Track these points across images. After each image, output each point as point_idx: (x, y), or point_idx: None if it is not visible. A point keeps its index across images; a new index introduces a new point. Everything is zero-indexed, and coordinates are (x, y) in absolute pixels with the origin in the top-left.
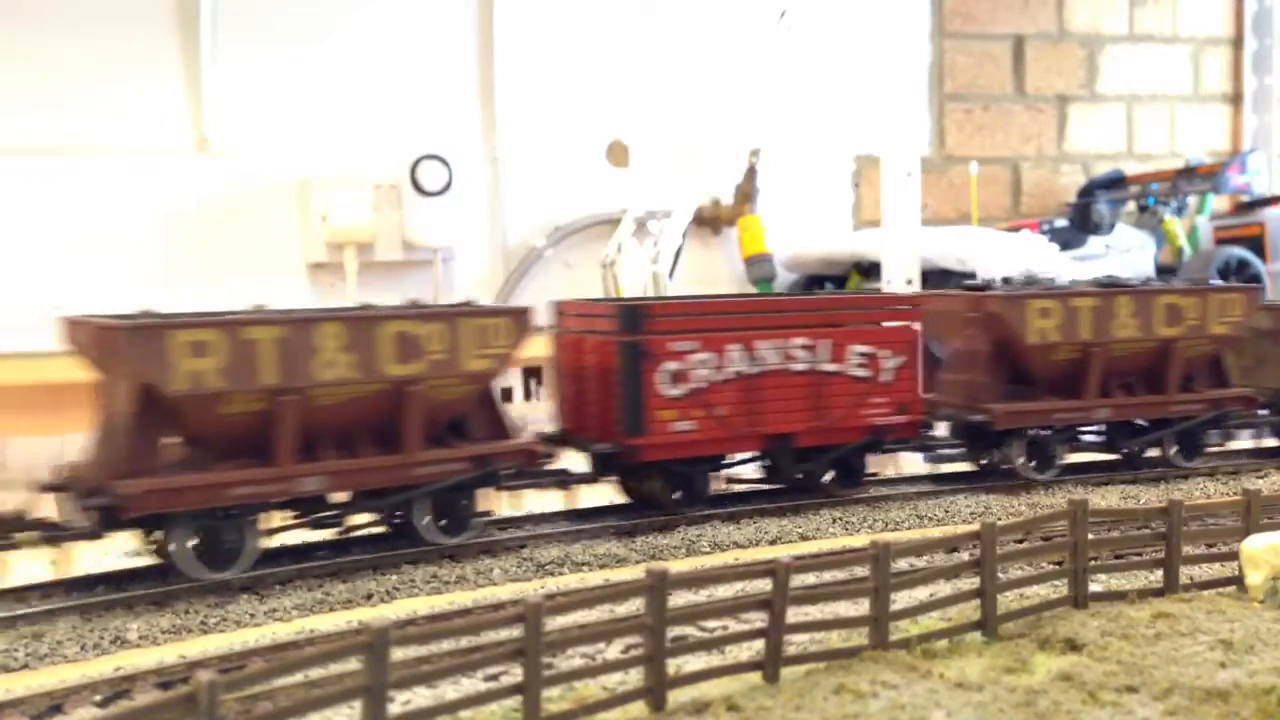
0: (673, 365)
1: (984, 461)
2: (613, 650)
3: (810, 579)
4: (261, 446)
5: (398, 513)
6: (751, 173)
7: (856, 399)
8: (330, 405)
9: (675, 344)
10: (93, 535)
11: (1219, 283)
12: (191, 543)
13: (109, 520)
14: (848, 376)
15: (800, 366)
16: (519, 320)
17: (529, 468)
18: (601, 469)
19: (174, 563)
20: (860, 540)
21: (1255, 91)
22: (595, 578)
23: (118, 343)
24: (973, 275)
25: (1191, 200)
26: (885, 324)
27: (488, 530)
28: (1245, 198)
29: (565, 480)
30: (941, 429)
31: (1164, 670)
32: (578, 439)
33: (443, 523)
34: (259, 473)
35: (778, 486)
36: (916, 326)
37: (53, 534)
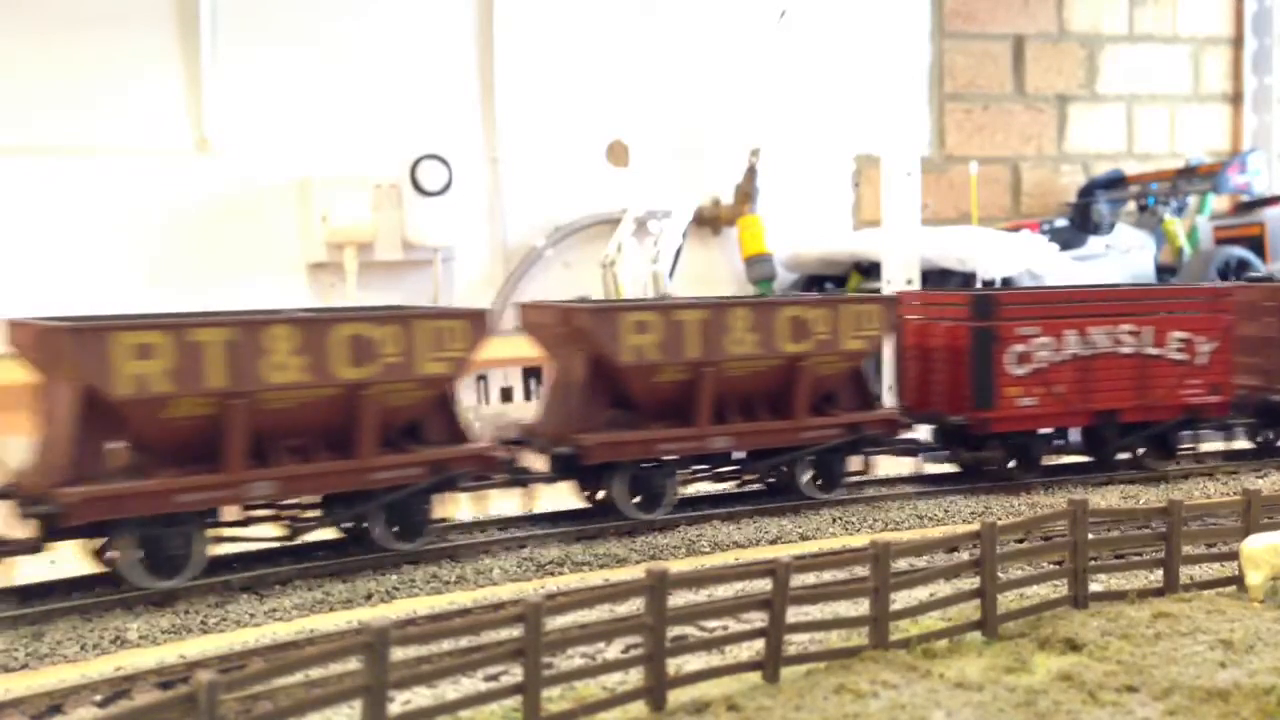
0: (1018, 348)
1: (1268, 440)
2: (613, 650)
3: (810, 579)
4: (210, 452)
5: (357, 522)
6: (751, 173)
7: (1175, 380)
8: (282, 409)
9: (1021, 329)
10: (33, 549)
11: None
12: (137, 552)
13: (51, 530)
14: (1168, 360)
15: (1127, 350)
16: (476, 323)
17: (487, 473)
18: (948, 439)
19: (118, 571)
20: (860, 540)
21: (1255, 91)
22: (595, 578)
23: (60, 344)
24: (972, 275)
25: (1191, 200)
26: (1200, 313)
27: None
28: (1245, 198)
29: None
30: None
31: (1164, 670)
32: (924, 413)
33: (395, 529)
34: (207, 479)
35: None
36: (1229, 316)
37: None
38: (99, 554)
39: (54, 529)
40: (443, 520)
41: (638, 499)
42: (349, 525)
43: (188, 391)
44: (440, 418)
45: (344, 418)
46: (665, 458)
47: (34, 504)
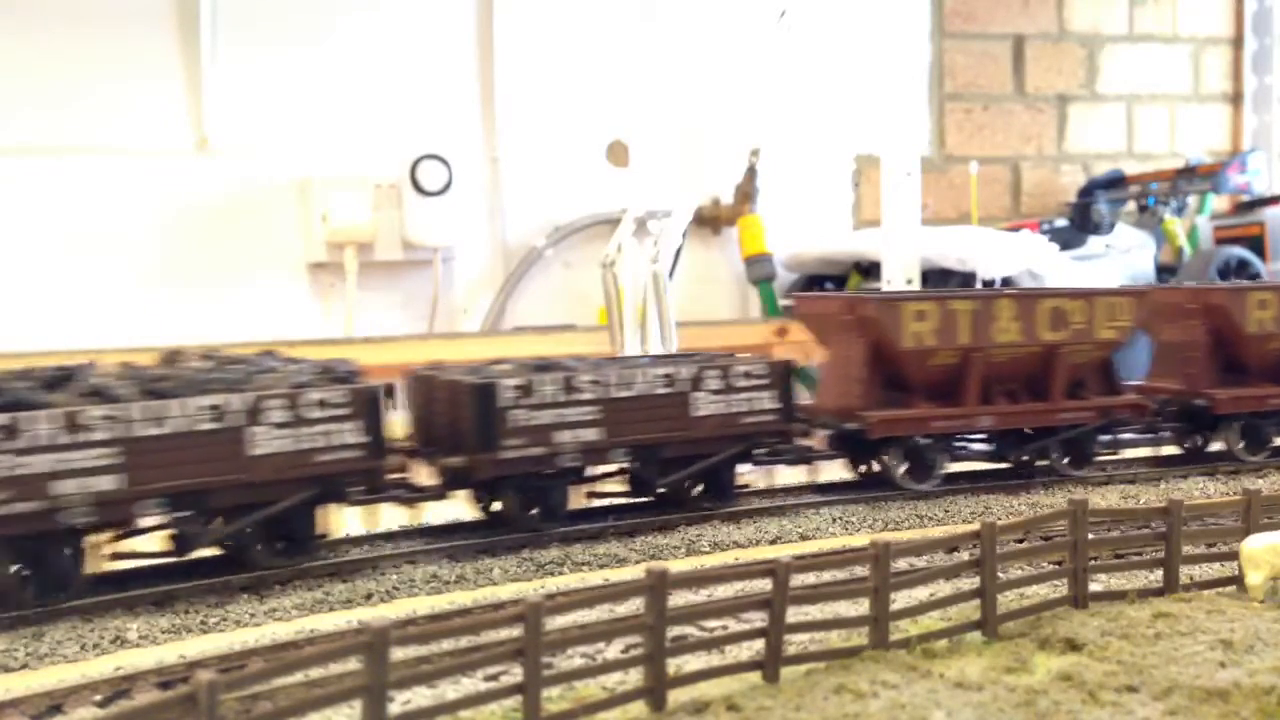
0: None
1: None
2: (613, 650)
3: (810, 579)
4: (950, 391)
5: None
6: (751, 173)
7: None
8: (1001, 361)
9: None
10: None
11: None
12: (902, 464)
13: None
14: None
15: None
16: (1141, 300)
17: (1138, 420)
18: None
19: (886, 476)
20: (860, 540)
21: (1255, 91)
22: (595, 577)
23: (865, 311)
24: (972, 275)
25: (1191, 200)
26: None
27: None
28: (1245, 197)
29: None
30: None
31: (1164, 670)
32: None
33: (1065, 460)
34: (950, 411)
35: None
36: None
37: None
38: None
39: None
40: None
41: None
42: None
43: (945, 345)
44: (1102, 374)
45: (1041, 370)
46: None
47: (840, 424)
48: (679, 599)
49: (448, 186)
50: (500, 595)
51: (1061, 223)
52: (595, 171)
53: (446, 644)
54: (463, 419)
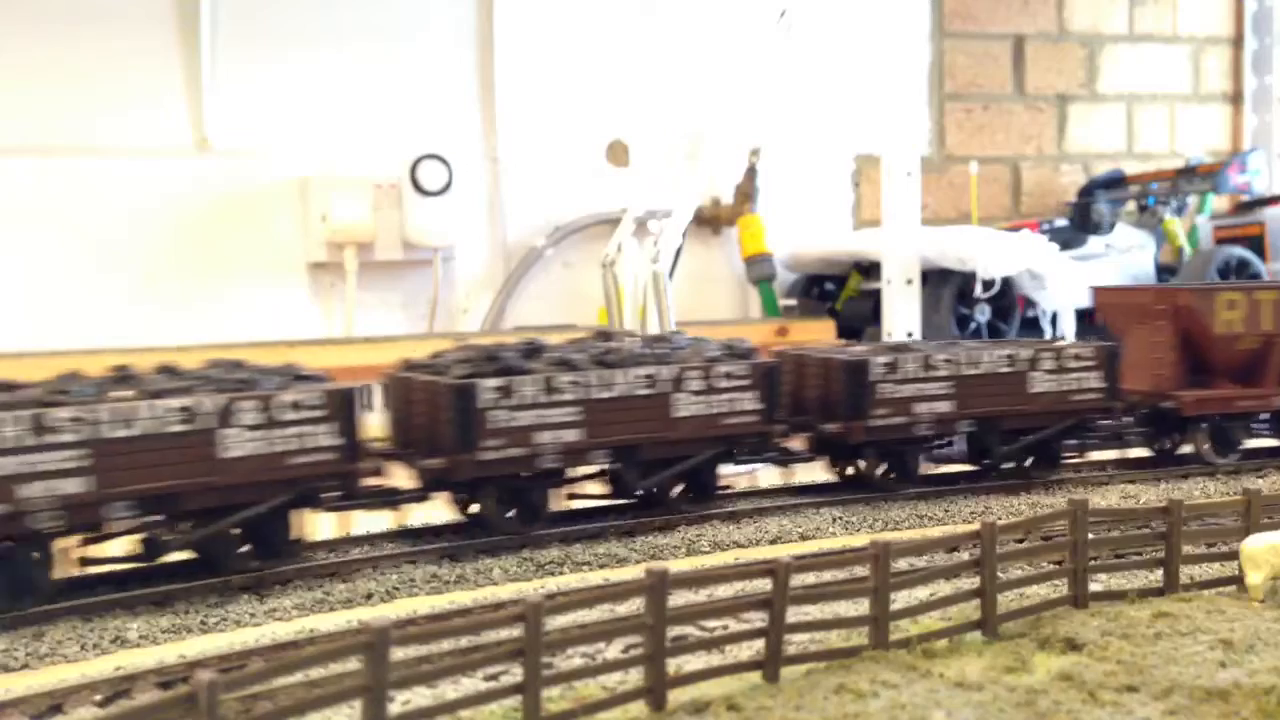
0: None
1: (1164, 447)
2: (613, 650)
3: (810, 579)
4: (1251, 374)
5: None
6: (751, 172)
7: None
8: None
9: None
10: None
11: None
12: (1206, 440)
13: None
14: None
15: None
16: None
17: None
18: None
19: (1190, 450)
20: (860, 540)
21: (1255, 91)
22: (595, 577)
23: (1180, 302)
24: (972, 275)
25: (1191, 200)
26: None
27: None
28: (1245, 197)
29: None
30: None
31: (1164, 670)
32: None
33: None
34: (1252, 392)
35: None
36: None
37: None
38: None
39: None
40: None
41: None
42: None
43: (1250, 332)
44: None
45: None
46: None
47: (1151, 404)
48: (679, 599)
49: (448, 186)
50: (500, 595)
51: (1061, 223)
52: (595, 171)
53: (446, 644)
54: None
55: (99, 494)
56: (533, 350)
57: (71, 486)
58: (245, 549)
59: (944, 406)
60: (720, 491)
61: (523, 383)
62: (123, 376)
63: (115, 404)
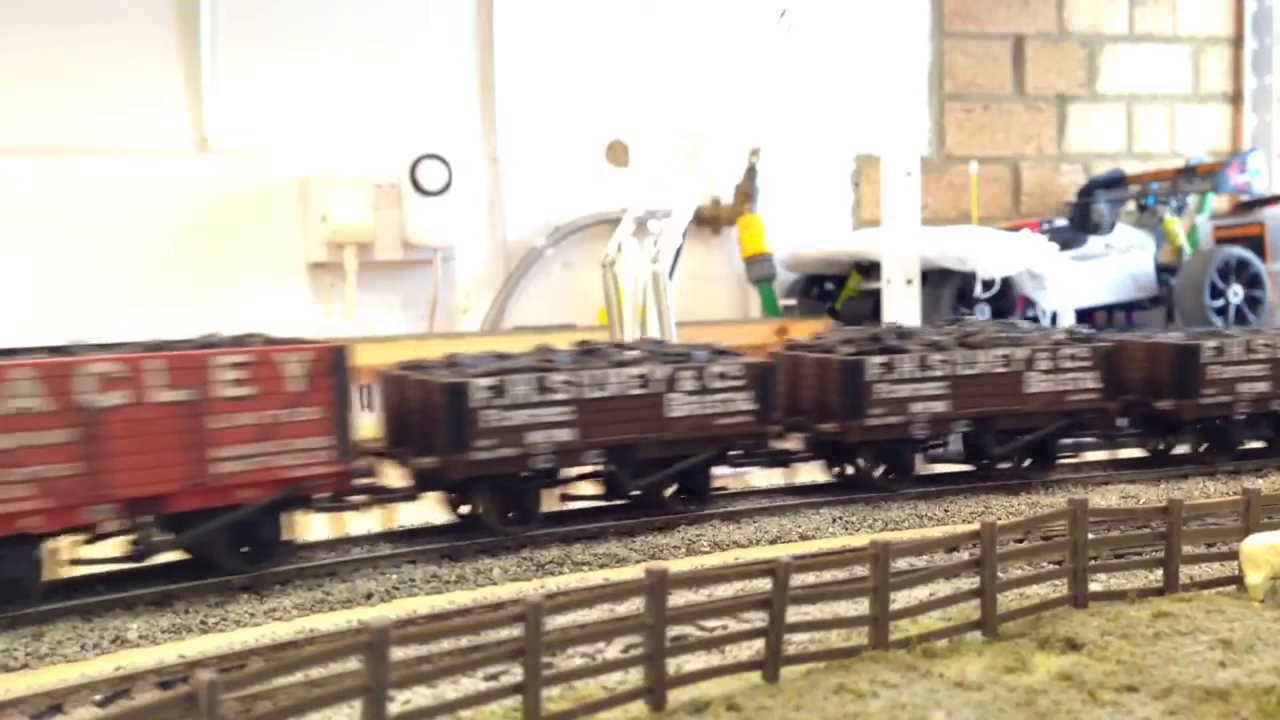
0: None
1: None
2: (613, 650)
3: (810, 578)
4: None
5: None
6: (751, 172)
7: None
8: None
9: None
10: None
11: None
12: None
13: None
14: None
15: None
16: None
17: None
18: None
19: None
20: (860, 540)
21: (1255, 91)
22: (595, 577)
23: None
24: (972, 275)
25: (1191, 200)
26: None
27: None
28: (1245, 197)
29: None
30: None
31: (1164, 670)
32: None
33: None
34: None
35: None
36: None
37: None
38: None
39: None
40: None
41: None
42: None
43: None
44: None
45: None
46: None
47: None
48: (679, 599)
49: (448, 186)
50: (500, 595)
51: (1061, 223)
52: (595, 171)
53: (446, 644)
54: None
55: (581, 442)
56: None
57: (562, 435)
58: (676, 493)
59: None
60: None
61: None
62: (587, 350)
63: (593, 371)
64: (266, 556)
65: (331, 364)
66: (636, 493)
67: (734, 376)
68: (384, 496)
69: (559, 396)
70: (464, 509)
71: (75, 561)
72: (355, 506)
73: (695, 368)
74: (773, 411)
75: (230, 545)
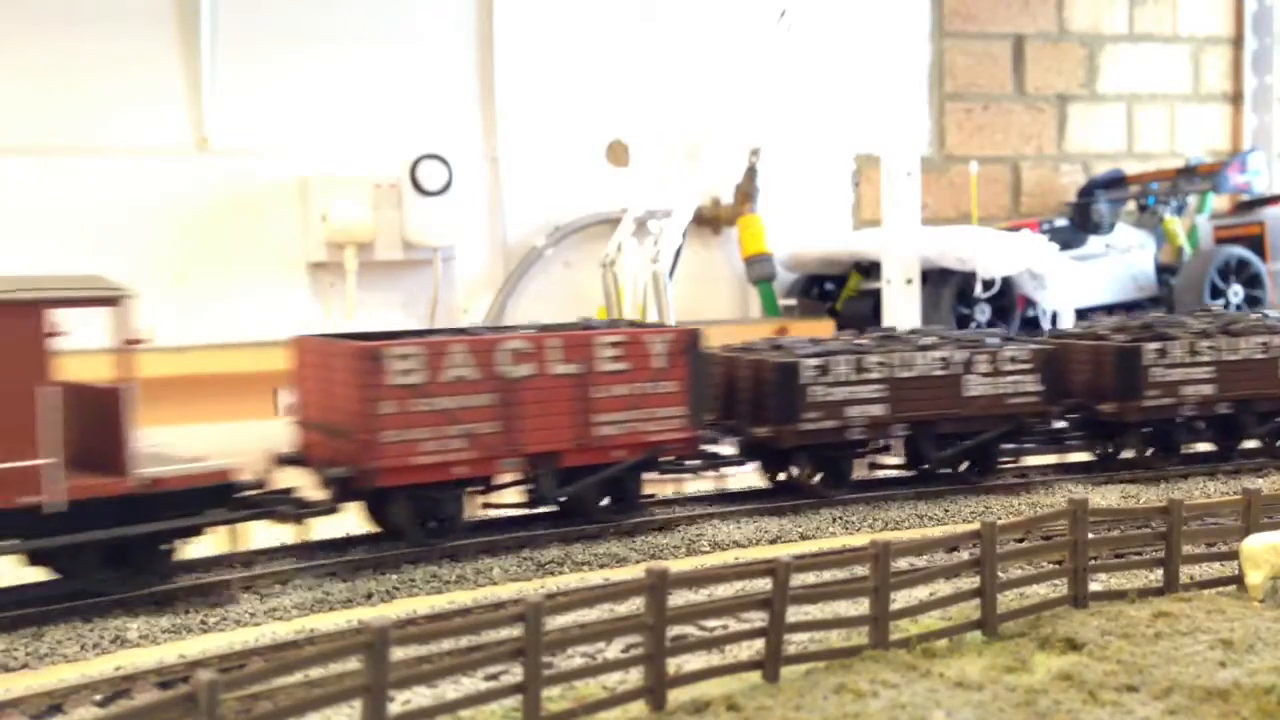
0: None
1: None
2: (613, 649)
3: (810, 578)
4: None
5: None
6: (751, 172)
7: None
8: None
9: None
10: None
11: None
12: None
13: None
14: None
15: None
16: None
17: None
18: None
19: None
20: (860, 540)
21: (1255, 91)
22: (595, 577)
23: None
24: (972, 275)
25: (1191, 200)
26: None
27: None
28: (1245, 197)
29: None
30: None
31: (1164, 670)
32: None
33: None
34: None
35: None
36: None
37: None
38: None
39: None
40: None
41: None
42: None
43: None
44: None
45: None
46: None
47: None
48: (679, 599)
49: (448, 186)
50: (500, 595)
51: (1061, 222)
52: (595, 171)
53: (446, 644)
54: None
55: (890, 417)
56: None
57: (875, 410)
58: (968, 467)
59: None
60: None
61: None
62: (886, 335)
63: (903, 353)
64: (628, 509)
65: (688, 345)
66: (928, 465)
67: (1023, 360)
68: (718, 462)
69: (873, 376)
70: (780, 476)
71: (486, 505)
72: (694, 470)
73: (989, 352)
74: (1056, 394)
75: (598, 498)
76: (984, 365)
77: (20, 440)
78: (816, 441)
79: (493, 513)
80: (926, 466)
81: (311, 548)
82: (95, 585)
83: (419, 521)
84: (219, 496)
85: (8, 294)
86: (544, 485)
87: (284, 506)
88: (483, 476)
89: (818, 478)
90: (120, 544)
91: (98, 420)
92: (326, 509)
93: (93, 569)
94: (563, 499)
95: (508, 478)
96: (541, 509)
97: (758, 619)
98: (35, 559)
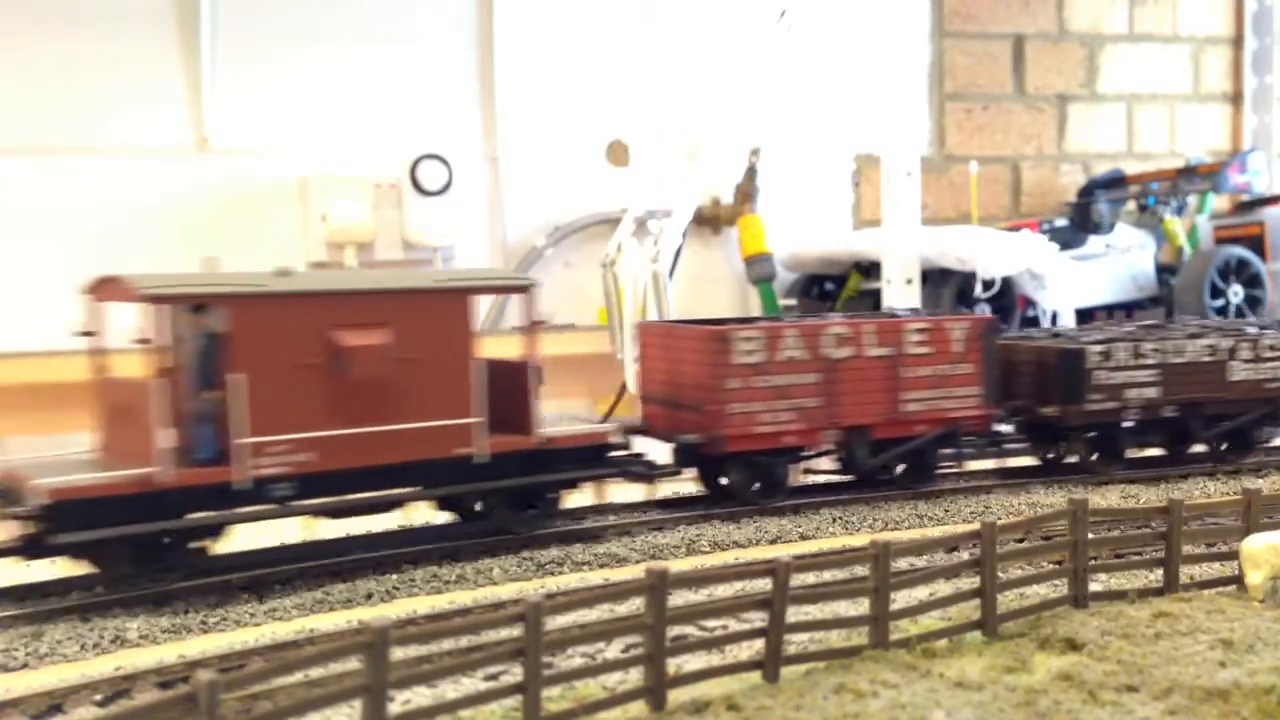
0: None
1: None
2: (613, 650)
3: (810, 578)
4: None
5: None
6: (751, 172)
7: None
8: None
9: None
10: None
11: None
12: None
13: None
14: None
15: None
16: None
17: None
18: None
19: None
20: (860, 540)
21: (1255, 91)
22: (595, 577)
23: None
24: (972, 275)
25: (1191, 200)
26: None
27: None
28: (1245, 197)
29: None
30: None
31: (1164, 670)
32: None
33: None
34: None
35: None
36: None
37: None
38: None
39: None
40: None
41: None
42: None
43: None
44: None
45: None
46: None
47: None
48: (679, 599)
49: (448, 186)
50: (500, 595)
51: (1061, 223)
52: (595, 171)
53: (446, 644)
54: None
55: (1162, 399)
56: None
57: (1149, 393)
58: (1225, 446)
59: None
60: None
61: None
62: (1151, 325)
63: (1175, 341)
64: (924, 479)
65: (983, 331)
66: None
67: None
68: (999, 439)
69: (1149, 361)
70: (1049, 455)
71: (808, 471)
72: (975, 449)
73: (1251, 340)
74: None
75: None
76: (1246, 352)
77: (457, 403)
78: (1099, 421)
79: (813, 479)
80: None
81: (650, 505)
82: (507, 524)
83: (751, 485)
84: (596, 455)
85: (444, 284)
86: (858, 454)
87: (638, 467)
88: (807, 446)
89: (1094, 456)
90: (524, 490)
91: (507, 389)
92: (672, 471)
93: (503, 511)
94: (870, 468)
95: (825, 448)
96: (849, 477)
97: (758, 619)
98: (445, 504)
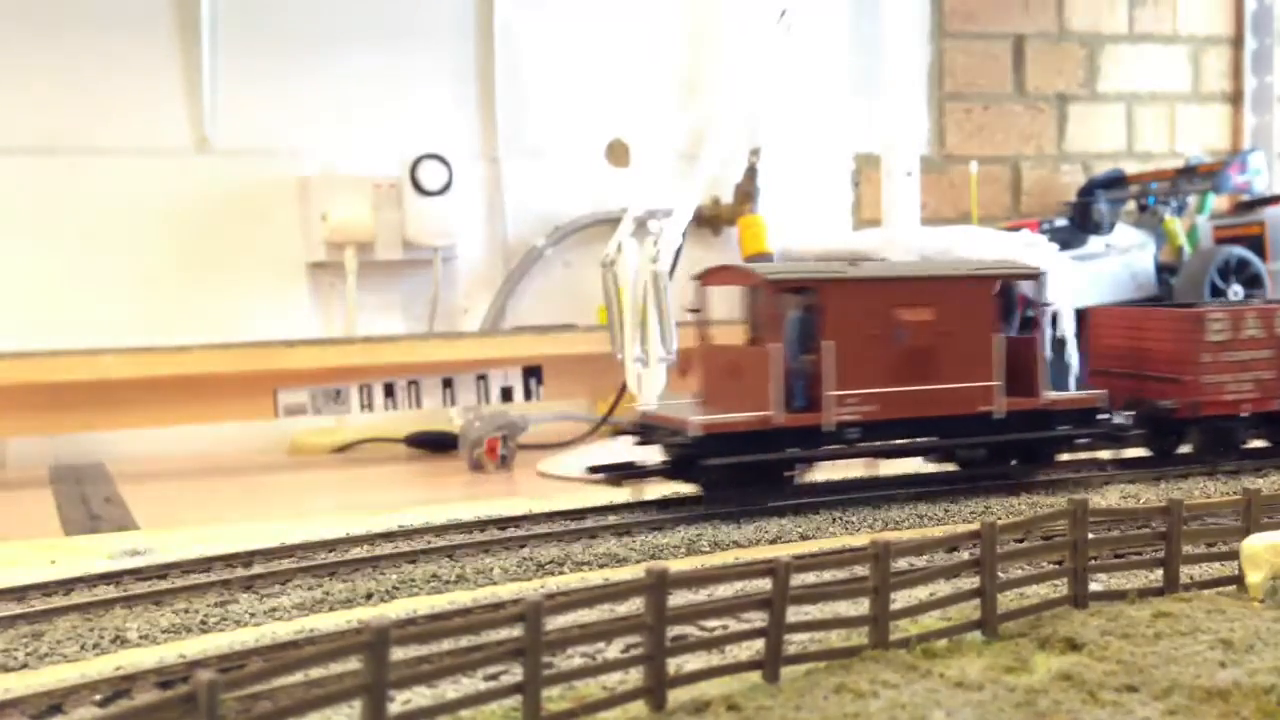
0: None
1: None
2: (613, 650)
3: (810, 578)
4: None
5: None
6: (751, 172)
7: None
8: None
9: None
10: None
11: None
12: None
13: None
14: None
15: None
16: None
17: None
18: None
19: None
20: (860, 540)
21: (1255, 91)
22: (595, 577)
23: None
24: None
25: (1191, 200)
26: None
27: None
28: (1245, 197)
29: None
30: None
31: (1164, 670)
32: None
33: None
34: None
35: None
36: None
37: None
38: None
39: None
40: None
41: None
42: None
43: None
44: None
45: None
46: None
47: None
48: (679, 599)
49: (448, 186)
50: (500, 595)
51: (1061, 222)
52: (595, 171)
53: (446, 644)
54: None
55: None
56: None
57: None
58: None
59: None
60: None
61: None
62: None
63: None
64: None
65: None
66: None
67: None
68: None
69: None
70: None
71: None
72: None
73: None
74: None
75: None
76: None
77: (982, 369)
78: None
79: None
80: None
81: (649, 505)
82: (1013, 473)
83: (1214, 445)
84: (1088, 417)
85: (974, 272)
86: None
87: (1113, 430)
88: (1259, 412)
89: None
90: (1030, 445)
91: (1018, 360)
92: (1135, 433)
93: (1012, 461)
94: None
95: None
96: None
97: (758, 619)
98: (948, 456)
